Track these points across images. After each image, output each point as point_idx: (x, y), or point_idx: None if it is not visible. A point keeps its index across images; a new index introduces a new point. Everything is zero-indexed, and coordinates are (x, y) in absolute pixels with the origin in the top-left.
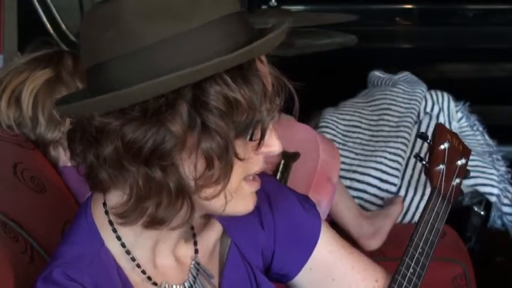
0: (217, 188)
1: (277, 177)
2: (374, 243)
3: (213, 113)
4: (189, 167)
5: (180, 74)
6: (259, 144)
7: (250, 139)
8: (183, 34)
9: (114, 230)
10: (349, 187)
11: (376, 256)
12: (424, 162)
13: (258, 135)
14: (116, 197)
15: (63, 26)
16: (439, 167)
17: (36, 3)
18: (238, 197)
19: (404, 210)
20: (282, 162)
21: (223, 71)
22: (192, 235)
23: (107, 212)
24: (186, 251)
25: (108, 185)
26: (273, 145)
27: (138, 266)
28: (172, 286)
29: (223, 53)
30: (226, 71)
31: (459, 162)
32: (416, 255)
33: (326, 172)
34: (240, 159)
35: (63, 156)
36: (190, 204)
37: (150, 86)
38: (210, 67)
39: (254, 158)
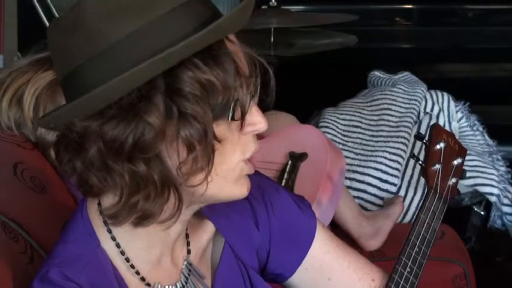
0: (202, 174)
1: (284, 177)
2: (374, 244)
3: (188, 99)
4: (172, 157)
5: (148, 62)
6: (242, 124)
7: (232, 119)
8: (146, 26)
9: (109, 231)
10: (349, 187)
11: (375, 256)
12: (420, 162)
13: (239, 114)
14: (108, 200)
15: None
16: (435, 167)
17: (36, 3)
18: (233, 180)
19: (404, 210)
20: (290, 162)
21: (192, 54)
22: (185, 235)
23: (101, 212)
24: (179, 251)
25: (99, 189)
26: (258, 122)
27: (132, 266)
28: (165, 287)
29: (188, 36)
30: (195, 54)
31: (455, 162)
32: (413, 254)
33: (328, 171)
34: (219, 141)
35: None
36: (177, 196)
37: (121, 80)
38: (178, 51)
39: (245, 138)
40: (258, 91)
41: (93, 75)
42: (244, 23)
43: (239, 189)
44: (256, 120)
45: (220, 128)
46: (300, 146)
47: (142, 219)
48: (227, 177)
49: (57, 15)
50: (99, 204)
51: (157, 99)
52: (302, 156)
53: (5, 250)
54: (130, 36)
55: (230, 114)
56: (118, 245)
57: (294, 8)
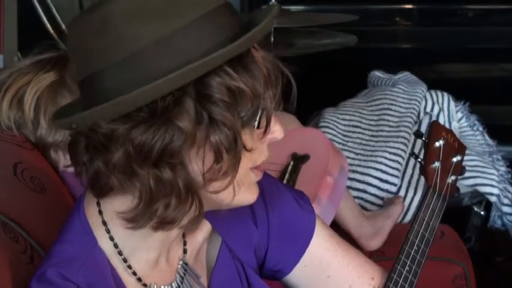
0: (225, 180)
1: (286, 178)
2: (374, 244)
3: (219, 105)
4: (197, 163)
5: (182, 71)
6: (265, 132)
7: (258, 127)
8: (177, 31)
9: (108, 231)
10: (349, 187)
11: (375, 255)
12: (419, 160)
13: (264, 122)
14: (124, 202)
15: (63, 26)
16: (435, 164)
17: (36, 3)
18: (245, 187)
19: (404, 210)
20: (292, 163)
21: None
22: (182, 235)
23: (100, 212)
24: (175, 251)
25: (115, 190)
26: (276, 130)
27: (130, 267)
28: (160, 287)
29: (221, 45)
30: (227, 62)
31: (454, 159)
32: (412, 253)
33: (328, 171)
34: (248, 150)
35: (63, 160)
36: (198, 201)
37: (153, 88)
38: (213, 60)
39: (261, 147)
40: (281, 102)
41: (118, 79)
42: (268, 31)
43: (250, 196)
44: (275, 128)
45: (245, 136)
46: (303, 148)
47: (163, 224)
48: (239, 184)
49: (57, 15)
50: (98, 204)
51: (188, 105)
52: (304, 158)
53: (5, 250)
54: (160, 41)
55: (256, 123)
56: (116, 245)
57: (294, 8)
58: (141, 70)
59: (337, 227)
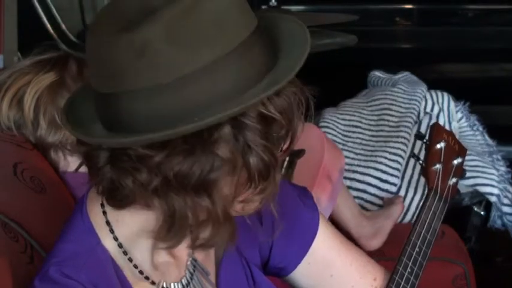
0: (256, 202)
1: (282, 173)
2: (374, 244)
3: (254, 132)
4: (231, 187)
5: (221, 115)
6: (286, 152)
7: (281, 150)
8: (218, 61)
9: (112, 231)
10: (349, 187)
11: (375, 255)
12: (420, 162)
13: (287, 145)
14: (148, 218)
15: (63, 26)
16: (436, 167)
17: (36, 3)
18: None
19: (404, 210)
20: (287, 159)
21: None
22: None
23: (104, 213)
24: (183, 248)
25: (137, 205)
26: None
27: (136, 266)
28: (170, 284)
29: (261, 79)
30: None
31: (455, 162)
32: (414, 254)
33: (327, 170)
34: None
35: (62, 161)
36: (232, 225)
37: (192, 127)
38: (249, 100)
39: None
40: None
41: (153, 103)
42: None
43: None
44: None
45: None
46: (299, 143)
47: (199, 246)
48: None
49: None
50: (102, 205)
51: (226, 133)
52: (299, 153)
53: (5, 250)
54: (200, 71)
55: (282, 147)
56: (120, 245)
57: (294, 8)
58: (178, 99)
59: (337, 227)
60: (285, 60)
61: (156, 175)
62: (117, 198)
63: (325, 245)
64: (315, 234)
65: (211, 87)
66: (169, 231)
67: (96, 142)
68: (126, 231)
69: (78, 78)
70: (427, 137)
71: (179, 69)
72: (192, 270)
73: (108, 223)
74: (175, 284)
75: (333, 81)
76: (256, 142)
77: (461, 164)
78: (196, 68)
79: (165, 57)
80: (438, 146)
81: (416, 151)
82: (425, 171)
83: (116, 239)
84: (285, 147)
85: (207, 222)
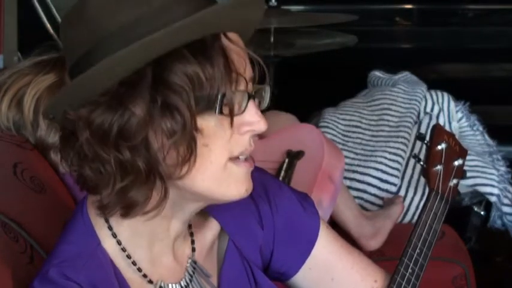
0: (186, 166)
1: (281, 175)
2: (374, 244)
3: (174, 90)
4: (155, 146)
5: (129, 48)
6: (231, 120)
7: (220, 113)
8: (139, 18)
9: (110, 228)
10: (349, 187)
11: (375, 256)
12: (421, 163)
13: (227, 110)
14: (104, 193)
15: None
16: (437, 168)
17: (36, 4)
18: (229, 180)
19: (404, 210)
20: (287, 160)
21: (183, 46)
22: (190, 234)
23: None
24: (183, 249)
25: (94, 182)
26: (256, 122)
27: (134, 263)
28: (168, 285)
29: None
30: (187, 47)
31: (456, 163)
32: (415, 255)
33: (328, 171)
34: (198, 131)
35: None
36: (163, 187)
37: (106, 67)
38: (165, 35)
39: (237, 138)
40: (260, 93)
41: (90, 65)
42: (240, 22)
43: (236, 189)
44: (253, 119)
45: (207, 122)
46: (298, 144)
47: (128, 208)
48: (218, 175)
49: (57, 15)
50: (99, 201)
51: (143, 89)
52: (299, 154)
53: (5, 250)
54: (123, 28)
55: (217, 109)
56: (119, 242)
57: (294, 8)
58: (104, 55)
59: (337, 227)
60: (207, 9)
61: (84, 133)
62: (87, 183)
63: (325, 249)
64: (316, 239)
65: (132, 40)
66: (108, 196)
67: (43, 113)
68: (122, 229)
69: None
70: (427, 138)
71: (105, 29)
72: (191, 272)
73: (107, 220)
74: (174, 284)
75: (333, 81)
76: (174, 101)
77: (461, 166)
78: (120, 27)
79: (94, 20)
80: (439, 147)
81: (416, 151)
82: (426, 172)
83: (114, 235)
84: (224, 112)
85: (131, 177)
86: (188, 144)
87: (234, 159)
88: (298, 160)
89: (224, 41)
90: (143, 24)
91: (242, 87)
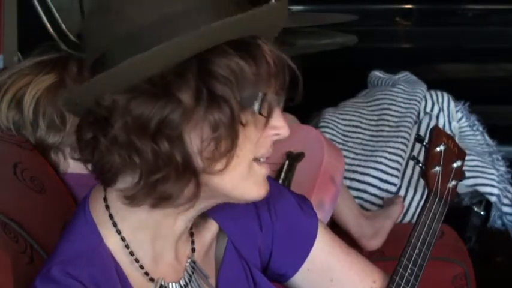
0: (223, 161)
1: (281, 177)
2: (374, 243)
3: (220, 81)
4: (196, 139)
5: (177, 40)
6: (267, 122)
7: (259, 113)
8: (182, 11)
9: (114, 224)
10: (349, 187)
11: (375, 256)
12: (420, 165)
13: (265, 111)
14: (127, 181)
15: (64, 27)
16: (436, 169)
17: (36, 4)
18: (251, 180)
19: (404, 210)
20: (287, 162)
21: (225, 43)
22: (190, 234)
23: (107, 207)
24: (184, 249)
25: (118, 169)
26: (280, 127)
27: (137, 260)
28: (168, 284)
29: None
30: (229, 44)
31: (455, 165)
32: (414, 256)
33: (329, 172)
34: (244, 125)
35: (62, 162)
36: (196, 181)
37: (150, 55)
38: (207, 32)
39: (262, 140)
40: (284, 96)
41: (125, 54)
42: (278, 27)
43: (256, 190)
44: (280, 124)
45: (246, 119)
46: (298, 146)
47: (161, 200)
48: (245, 174)
49: (57, 15)
50: (104, 199)
51: (190, 78)
52: (299, 156)
53: (6, 250)
54: (164, 19)
55: (257, 107)
56: (123, 239)
57: (294, 8)
58: (144, 46)
59: (337, 227)
60: (252, 10)
61: (120, 119)
62: (103, 172)
63: (324, 250)
64: (314, 240)
65: (172, 35)
66: (137, 186)
67: (67, 99)
68: (127, 224)
69: (78, 79)
70: (426, 140)
71: (145, 19)
72: (190, 272)
73: (111, 216)
74: (174, 283)
75: (333, 81)
76: (221, 91)
77: (460, 167)
78: (160, 17)
79: (132, 8)
80: (438, 149)
81: (416, 152)
82: (425, 174)
83: (118, 232)
84: (263, 112)
85: (167, 170)
86: (231, 138)
87: (256, 160)
88: (299, 162)
89: (261, 43)
90: (184, 17)
91: (273, 87)
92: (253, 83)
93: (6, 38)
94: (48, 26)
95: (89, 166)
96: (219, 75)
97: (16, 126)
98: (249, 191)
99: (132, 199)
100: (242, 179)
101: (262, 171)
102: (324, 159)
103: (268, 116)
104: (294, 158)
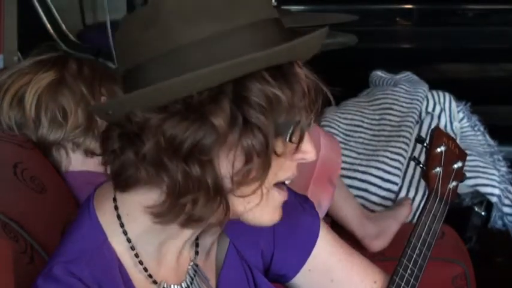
0: (252, 186)
1: None
2: (378, 244)
3: (255, 109)
4: (227, 164)
5: (219, 66)
6: (297, 147)
7: (290, 140)
8: (221, 34)
9: (122, 225)
10: (351, 186)
11: (375, 256)
12: (421, 166)
13: (296, 137)
14: (151, 196)
15: (64, 27)
16: (436, 170)
17: (37, 4)
18: (268, 205)
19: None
20: None
21: (263, 68)
22: (195, 237)
23: (116, 207)
24: (188, 252)
25: (139, 181)
26: (308, 151)
27: (141, 262)
28: (170, 286)
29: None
30: (266, 70)
31: (455, 166)
32: (414, 256)
33: (327, 172)
34: (278, 155)
35: (65, 159)
36: (226, 203)
37: (190, 78)
38: (249, 61)
39: (287, 164)
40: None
41: (160, 70)
42: (315, 52)
43: (270, 216)
44: (308, 149)
45: (277, 147)
46: None
47: (191, 221)
48: (260, 199)
49: (57, 15)
50: (114, 199)
51: (225, 103)
52: None
53: (5, 250)
54: (205, 41)
55: (289, 135)
56: (129, 240)
57: (294, 8)
58: (181, 65)
59: (340, 227)
60: (293, 41)
61: (153, 138)
62: (122, 178)
63: (325, 251)
64: (316, 240)
65: (211, 57)
66: (164, 204)
67: (99, 108)
68: (135, 226)
69: (78, 76)
70: (427, 141)
71: (185, 38)
72: (192, 275)
73: (119, 217)
74: (176, 286)
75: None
76: (255, 119)
77: (461, 168)
78: (201, 38)
79: (174, 26)
80: (438, 149)
81: (417, 152)
82: (425, 175)
83: (125, 233)
84: (294, 140)
85: (197, 194)
86: (263, 165)
87: (277, 184)
88: None
89: (297, 68)
90: (222, 42)
91: (308, 113)
92: (288, 111)
93: (6, 38)
94: (48, 26)
95: (106, 167)
96: (254, 103)
97: (18, 125)
98: (262, 216)
99: (161, 217)
100: (258, 204)
101: (280, 198)
102: (321, 153)
103: (299, 142)
104: None
